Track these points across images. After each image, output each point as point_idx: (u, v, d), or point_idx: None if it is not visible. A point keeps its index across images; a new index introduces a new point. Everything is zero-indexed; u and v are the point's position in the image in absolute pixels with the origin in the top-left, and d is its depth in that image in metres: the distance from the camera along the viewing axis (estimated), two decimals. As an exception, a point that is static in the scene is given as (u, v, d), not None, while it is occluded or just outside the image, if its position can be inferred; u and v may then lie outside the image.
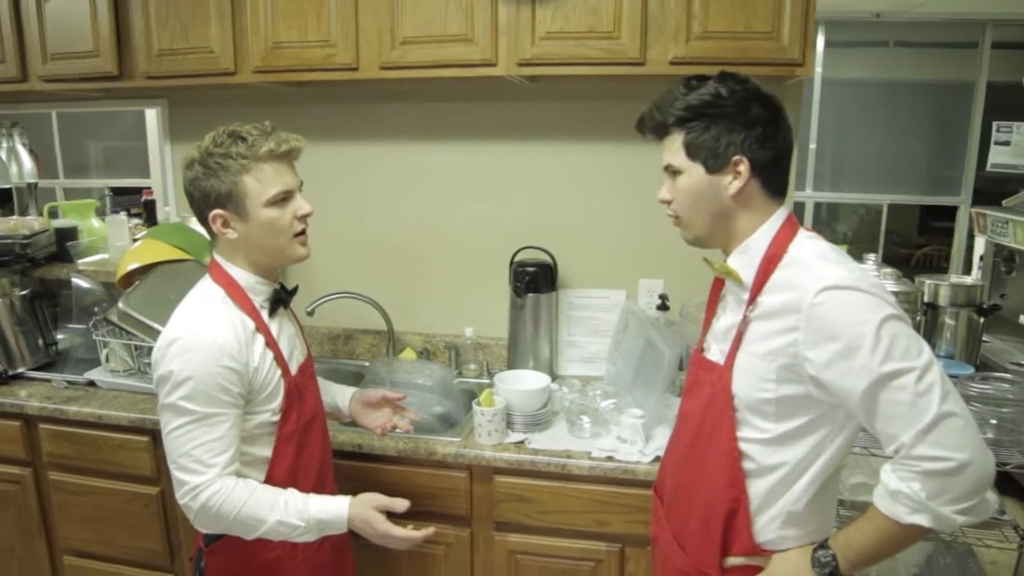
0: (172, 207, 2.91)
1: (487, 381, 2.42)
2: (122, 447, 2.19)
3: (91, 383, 2.39)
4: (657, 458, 1.85)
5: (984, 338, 2.56)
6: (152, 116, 3.10)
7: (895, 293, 2.15)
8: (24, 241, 2.69)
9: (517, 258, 2.44)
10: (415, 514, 1.61)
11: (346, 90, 2.51)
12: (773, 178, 1.32)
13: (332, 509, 1.50)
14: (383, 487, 1.65)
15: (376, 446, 1.99)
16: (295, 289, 1.67)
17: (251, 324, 1.50)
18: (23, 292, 2.57)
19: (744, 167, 1.28)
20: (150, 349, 1.50)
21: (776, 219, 1.32)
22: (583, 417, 2.03)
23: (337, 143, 2.60)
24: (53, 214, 3.03)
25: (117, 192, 3.67)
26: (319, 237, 1.72)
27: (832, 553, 1.25)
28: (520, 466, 1.92)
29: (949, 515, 1.13)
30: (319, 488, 1.60)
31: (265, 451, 1.54)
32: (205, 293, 1.51)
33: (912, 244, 6.35)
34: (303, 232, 1.54)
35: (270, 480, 1.53)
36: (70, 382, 2.40)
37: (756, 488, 1.31)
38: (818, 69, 5.18)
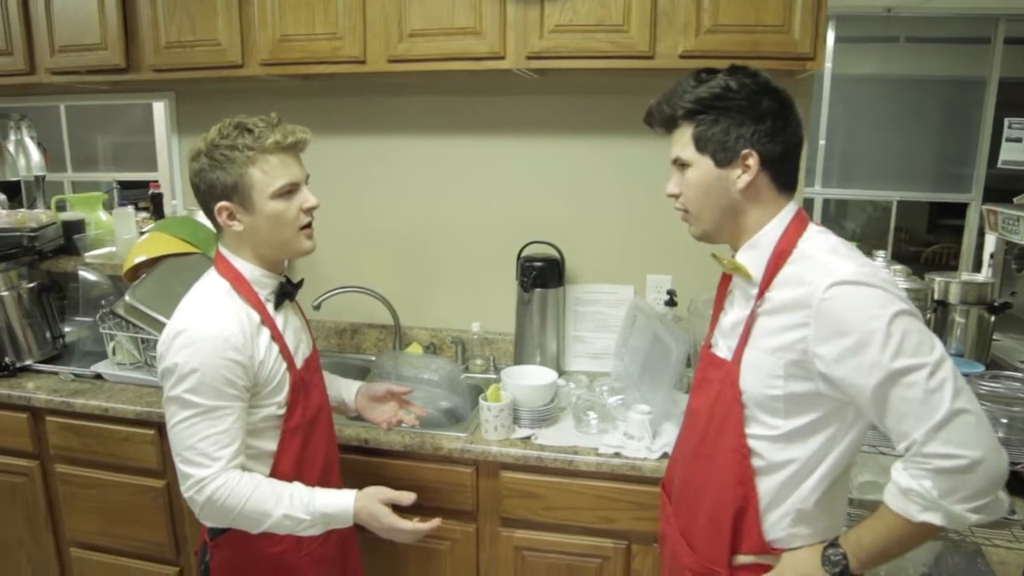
0: (179, 200, 2.91)
1: (493, 376, 2.41)
2: (128, 440, 2.19)
3: (98, 376, 2.40)
4: (665, 454, 1.84)
5: (994, 337, 2.54)
6: (159, 109, 3.09)
7: (905, 290, 2.13)
8: (32, 234, 2.70)
9: (524, 253, 2.43)
10: (421, 509, 1.60)
11: (353, 83, 2.50)
12: (783, 172, 1.30)
13: (338, 503, 1.50)
14: (389, 482, 1.64)
15: (382, 441, 1.99)
16: (301, 282, 1.66)
17: (256, 317, 1.49)
18: (30, 285, 2.57)
19: (753, 161, 1.27)
20: (156, 342, 1.49)
21: (785, 214, 1.31)
22: (590, 413, 2.02)
23: (344, 136, 2.60)
24: (61, 207, 3.04)
25: (125, 186, 3.67)
26: (325, 231, 1.72)
27: (843, 552, 1.24)
28: (527, 462, 1.92)
29: (961, 513, 1.11)
30: (324, 482, 1.59)
31: (270, 445, 1.53)
32: (210, 285, 1.51)
33: (921, 242, 6.32)
34: (309, 225, 1.54)
35: (275, 474, 1.53)
36: (77, 375, 2.41)
37: (765, 485, 1.30)
38: (828, 65, 5.15)
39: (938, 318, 2.45)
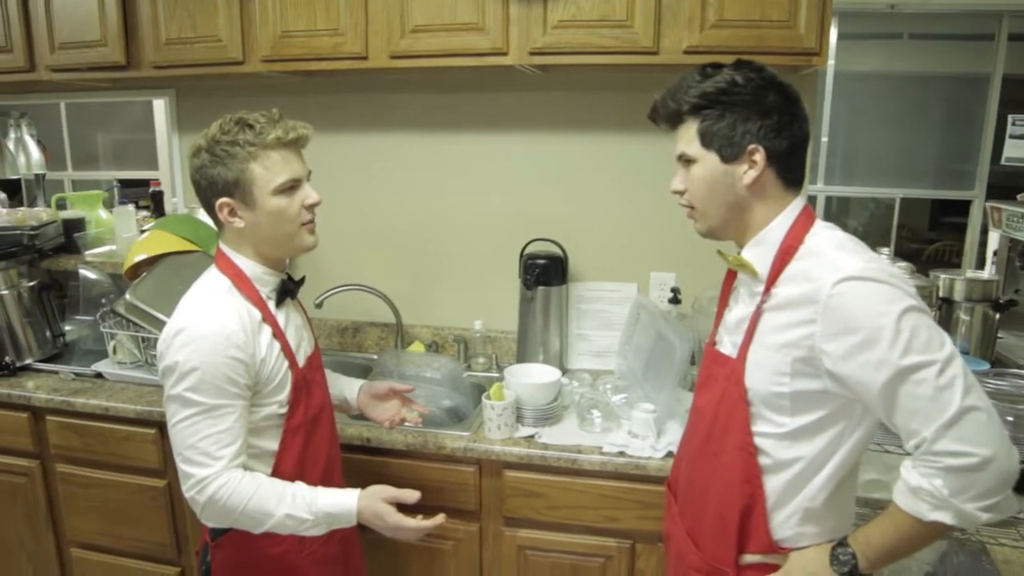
0: (180, 198, 2.90)
1: (496, 375, 2.40)
2: (129, 439, 2.18)
3: (98, 375, 2.39)
4: (669, 453, 1.83)
5: (999, 334, 2.53)
6: (160, 107, 3.09)
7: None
8: (32, 232, 2.69)
9: (527, 250, 2.42)
10: (423, 509, 1.58)
11: (354, 80, 2.49)
12: (789, 168, 1.29)
13: (341, 502, 1.49)
14: (391, 481, 1.63)
15: (384, 440, 1.98)
16: (302, 280, 1.65)
17: (257, 314, 1.48)
18: (31, 283, 2.56)
19: (760, 156, 1.25)
20: (157, 341, 1.48)
21: (792, 210, 1.30)
22: (594, 411, 2.01)
23: (345, 133, 2.58)
24: (61, 205, 3.03)
25: (125, 184, 3.66)
26: (327, 229, 1.70)
27: (851, 551, 1.23)
28: (530, 461, 1.90)
29: (972, 512, 1.10)
30: (326, 482, 1.58)
31: (272, 444, 1.52)
32: (211, 283, 1.49)
33: (922, 239, 6.30)
34: (311, 222, 1.52)
35: (276, 473, 1.52)
36: (77, 374, 2.40)
37: (772, 484, 1.28)
38: (831, 61, 5.13)
39: (943, 316, 2.44)
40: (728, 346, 1.37)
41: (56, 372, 2.43)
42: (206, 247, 2.33)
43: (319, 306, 2.46)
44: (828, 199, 5.65)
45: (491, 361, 2.53)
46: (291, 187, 1.46)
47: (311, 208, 1.51)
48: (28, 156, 3.24)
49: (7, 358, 2.42)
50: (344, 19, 2.11)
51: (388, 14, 2.09)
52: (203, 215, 2.40)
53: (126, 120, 4.82)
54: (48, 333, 2.57)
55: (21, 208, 3.04)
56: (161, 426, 2.11)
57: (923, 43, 5.33)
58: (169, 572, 2.26)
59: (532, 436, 1.96)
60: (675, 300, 2.32)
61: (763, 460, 1.29)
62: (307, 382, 1.58)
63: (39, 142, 3.32)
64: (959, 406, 1.09)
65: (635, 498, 1.87)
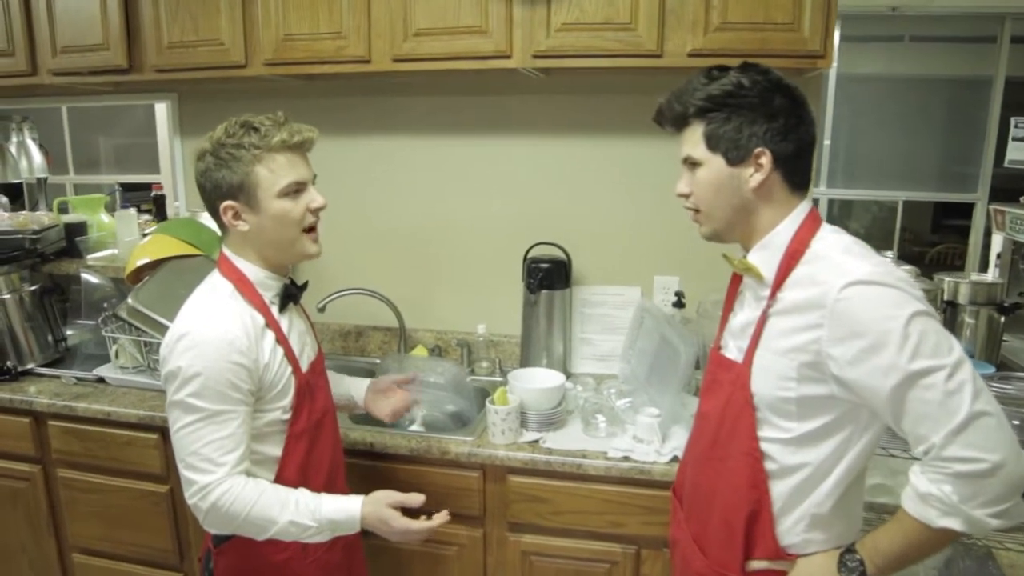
0: (182, 202, 2.90)
1: (499, 379, 2.39)
2: (131, 444, 2.17)
3: (100, 379, 2.38)
4: (675, 458, 1.82)
5: (1003, 338, 2.52)
6: (162, 110, 3.09)
7: (916, 290, 2.11)
8: (33, 236, 2.69)
9: (530, 254, 2.41)
10: (427, 514, 1.58)
11: (357, 83, 2.49)
12: (795, 171, 1.28)
13: (345, 509, 1.48)
14: (395, 486, 1.62)
15: (388, 445, 1.97)
16: (305, 284, 1.64)
17: (261, 319, 1.47)
18: (32, 287, 2.56)
19: (766, 159, 1.25)
20: (159, 345, 1.48)
21: (798, 213, 1.29)
22: (598, 416, 2.00)
23: (348, 137, 2.58)
24: (63, 209, 3.03)
25: (127, 188, 3.66)
26: (330, 232, 1.70)
27: (860, 557, 1.22)
28: (534, 466, 1.90)
29: (982, 518, 1.09)
30: (330, 487, 1.57)
31: (275, 450, 1.51)
32: (214, 287, 1.49)
33: (925, 242, 6.28)
34: (314, 228, 1.52)
35: (280, 479, 1.51)
36: (79, 378, 2.39)
37: (778, 489, 1.28)
38: (833, 64, 5.13)
39: (947, 319, 2.44)
40: (733, 351, 1.36)
41: (58, 377, 2.42)
42: (208, 251, 2.32)
43: (322, 310, 2.45)
44: (830, 202, 5.64)
45: (494, 365, 2.52)
46: (296, 190, 1.45)
47: (316, 212, 1.50)
48: (30, 160, 3.24)
49: (9, 363, 2.42)
50: (347, 22, 2.11)
51: (391, 17, 2.08)
52: (206, 219, 2.41)
53: (128, 124, 4.81)
54: (50, 337, 2.57)
55: (23, 212, 3.03)
56: (163, 431, 2.10)
57: (925, 46, 5.32)
58: (171, 578, 2.25)
59: (536, 441, 1.95)
60: (679, 304, 2.31)
61: (769, 465, 1.28)
62: (310, 387, 1.57)
63: (41, 146, 3.32)
64: (968, 411, 1.08)
65: (640, 503, 1.86)
